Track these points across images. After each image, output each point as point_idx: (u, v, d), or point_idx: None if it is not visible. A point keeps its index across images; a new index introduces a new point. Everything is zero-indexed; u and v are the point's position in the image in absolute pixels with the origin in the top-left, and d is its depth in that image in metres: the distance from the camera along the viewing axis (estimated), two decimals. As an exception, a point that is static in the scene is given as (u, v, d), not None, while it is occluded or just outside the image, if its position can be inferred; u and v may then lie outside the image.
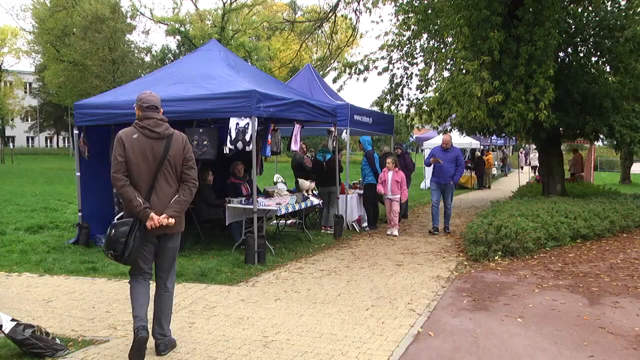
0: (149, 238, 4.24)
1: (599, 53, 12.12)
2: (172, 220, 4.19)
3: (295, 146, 9.48)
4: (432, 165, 10.95)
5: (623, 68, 11.42)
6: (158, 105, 4.32)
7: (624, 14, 11.12)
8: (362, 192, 11.57)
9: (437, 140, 23.50)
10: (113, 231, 4.13)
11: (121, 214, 4.38)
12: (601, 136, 14.01)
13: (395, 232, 10.63)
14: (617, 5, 11.86)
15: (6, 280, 6.85)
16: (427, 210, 15.19)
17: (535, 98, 10.19)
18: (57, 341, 4.42)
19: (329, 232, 10.60)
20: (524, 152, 35.11)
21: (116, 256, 4.14)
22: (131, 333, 4.83)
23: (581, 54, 12.63)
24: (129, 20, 44.16)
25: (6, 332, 4.22)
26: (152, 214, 4.13)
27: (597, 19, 11.51)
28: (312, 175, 10.92)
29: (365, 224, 11.35)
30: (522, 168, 32.04)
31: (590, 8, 11.96)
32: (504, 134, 15.35)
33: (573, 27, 12.16)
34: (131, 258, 4.15)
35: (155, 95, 4.36)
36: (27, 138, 72.35)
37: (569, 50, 12.79)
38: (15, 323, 4.27)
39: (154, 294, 4.51)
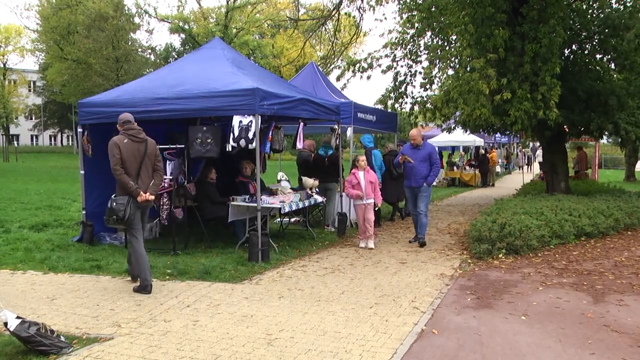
0: (139, 207, 6.19)
1: (603, 50, 12.08)
2: (153, 197, 6.27)
3: (300, 144, 9.47)
4: (403, 167, 9.37)
5: (629, 65, 11.37)
6: (132, 119, 6.30)
7: (629, 11, 11.06)
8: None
9: (441, 138, 23.47)
10: (114, 204, 6.04)
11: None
12: (606, 134, 13.97)
13: (372, 244, 8.99)
14: (622, 2, 11.81)
15: (11, 278, 6.88)
16: (431, 207, 15.14)
17: (544, 96, 10.14)
18: (62, 339, 4.44)
19: (332, 230, 10.59)
20: (522, 150, 33.55)
21: (119, 220, 6.04)
22: (135, 331, 4.88)
23: (586, 52, 12.58)
24: (137, 20, 44.23)
25: (11, 329, 4.24)
26: (141, 192, 6.10)
27: (602, 16, 11.46)
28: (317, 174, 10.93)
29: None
30: (520, 168, 30.94)
31: (595, 5, 11.92)
32: (508, 132, 15.33)
33: (578, 24, 12.12)
34: (129, 220, 6.08)
35: (128, 114, 6.42)
36: (31, 136, 72.53)
37: (574, 47, 12.75)
38: (20, 321, 4.29)
39: None
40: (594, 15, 11.97)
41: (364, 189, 9.02)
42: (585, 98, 11.69)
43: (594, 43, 12.32)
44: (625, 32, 10.60)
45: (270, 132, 8.55)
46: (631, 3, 11.45)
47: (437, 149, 22.52)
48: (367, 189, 9.02)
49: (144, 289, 6.15)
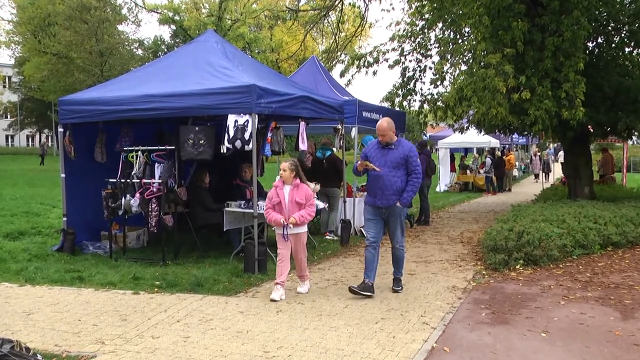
0: None
1: (634, 43, 12.05)
2: None
3: (303, 145, 9.45)
4: (367, 176, 6.89)
5: None
6: None
7: None
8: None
9: (453, 138, 23.30)
10: None
11: None
12: (635, 134, 13.97)
13: (304, 288, 6.88)
14: None
15: (-15, 290, 6.90)
16: (442, 214, 15.22)
17: (567, 94, 10.13)
18: (39, 357, 4.43)
19: (331, 238, 10.57)
20: (538, 155, 31.99)
21: None
22: (121, 349, 4.89)
23: (613, 45, 12.57)
24: (124, 12, 44.36)
25: (-16, 347, 4.25)
26: None
27: (634, 6, 11.41)
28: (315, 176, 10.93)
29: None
30: (537, 176, 29.60)
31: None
32: (526, 132, 15.31)
33: (604, 14, 12.09)
34: None
35: None
36: (6, 136, 72.60)
37: (599, 40, 12.73)
38: (-7, 337, 4.29)
39: None
40: (624, 4, 11.93)
41: (287, 212, 6.61)
42: (612, 95, 11.67)
43: (623, 35, 12.30)
44: None
45: (269, 133, 8.58)
46: None
47: (449, 150, 21.97)
48: (291, 212, 6.61)
49: None
